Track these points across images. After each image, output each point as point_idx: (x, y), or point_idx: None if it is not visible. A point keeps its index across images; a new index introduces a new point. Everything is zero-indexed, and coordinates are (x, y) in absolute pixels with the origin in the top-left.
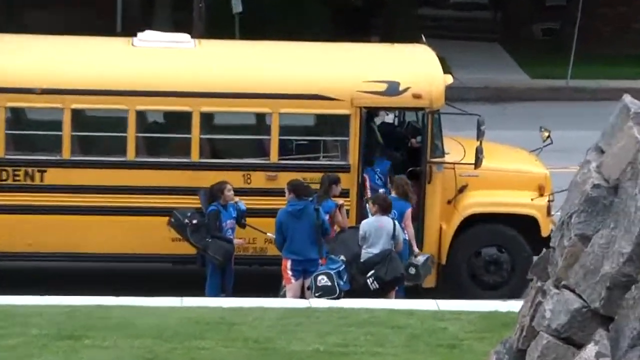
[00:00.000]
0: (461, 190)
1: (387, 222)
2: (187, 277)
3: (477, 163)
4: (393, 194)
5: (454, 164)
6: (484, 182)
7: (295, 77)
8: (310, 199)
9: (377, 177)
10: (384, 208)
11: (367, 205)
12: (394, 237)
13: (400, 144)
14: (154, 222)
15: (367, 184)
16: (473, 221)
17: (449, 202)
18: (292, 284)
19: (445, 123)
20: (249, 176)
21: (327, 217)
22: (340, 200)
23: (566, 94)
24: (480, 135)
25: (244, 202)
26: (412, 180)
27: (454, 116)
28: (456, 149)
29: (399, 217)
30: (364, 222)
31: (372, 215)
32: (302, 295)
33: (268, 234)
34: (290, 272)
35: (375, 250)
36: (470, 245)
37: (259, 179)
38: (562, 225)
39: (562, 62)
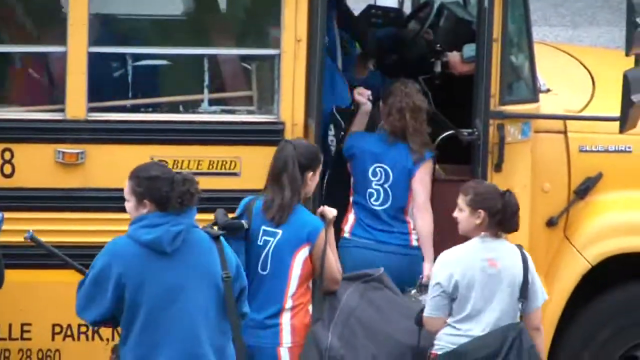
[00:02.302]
0: (584, 191)
1: (508, 256)
2: None
3: (627, 118)
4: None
5: (566, 119)
6: None
7: None
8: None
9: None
10: (507, 217)
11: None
12: (523, 292)
13: (417, 66)
14: None
15: None
16: (615, 273)
17: (551, 223)
18: None
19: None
20: None
21: (296, 258)
22: (331, 211)
23: None
24: (634, 41)
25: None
26: (449, 162)
27: None
28: (572, 79)
29: None
30: (447, 255)
31: (466, 231)
32: None
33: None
34: None
35: (477, 328)
36: (611, 336)
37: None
38: None
39: None
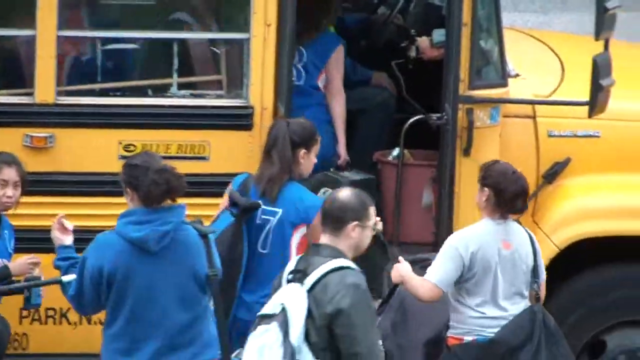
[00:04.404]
0: (552, 175)
1: (519, 238)
2: None
3: (596, 103)
4: None
5: (534, 103)
6: (612, 154)
7: None
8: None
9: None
10: (508, 197)
11: None
12: (535, 273)
13: (387, 51)
14: None
15: None
16: (584, 258)
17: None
18: None
19: None
20: None
21: (294, 237)
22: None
23: None
24: (603, 25)
25: None
26: (418, 147)
27: None
28: (541, 64)
29: None
30: (465, 234)
31: (480, 208)
32: None
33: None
34: None
35: (500, 311)
36: (578, 320)
37: None
38: None
39: None
